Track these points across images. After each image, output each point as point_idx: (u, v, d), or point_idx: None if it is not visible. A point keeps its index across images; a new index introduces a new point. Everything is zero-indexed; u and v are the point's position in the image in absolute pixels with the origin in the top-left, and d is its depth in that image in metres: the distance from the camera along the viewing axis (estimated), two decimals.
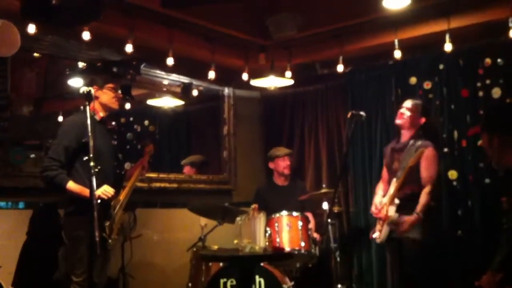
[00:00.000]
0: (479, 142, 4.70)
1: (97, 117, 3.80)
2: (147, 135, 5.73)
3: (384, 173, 4.63)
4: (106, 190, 3.54)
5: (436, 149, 4.37)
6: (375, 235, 4.41)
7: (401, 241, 4.21)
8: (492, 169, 4.56)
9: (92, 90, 3.14)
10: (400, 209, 4.23)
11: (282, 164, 5.60)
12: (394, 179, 4.34)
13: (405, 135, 4.42)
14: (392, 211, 4.24)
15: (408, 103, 4.44)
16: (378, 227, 4.40)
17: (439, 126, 4.56)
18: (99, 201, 3.36)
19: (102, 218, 3.47)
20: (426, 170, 4.23)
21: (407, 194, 4.27)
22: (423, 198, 4.19)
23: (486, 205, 4.63)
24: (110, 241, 3.60)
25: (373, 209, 4.48)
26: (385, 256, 5.06)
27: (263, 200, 5.31)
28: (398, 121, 4.45)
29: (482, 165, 4.70)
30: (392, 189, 4.32)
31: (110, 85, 3.84)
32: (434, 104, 5.02)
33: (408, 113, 4.38)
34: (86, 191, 2.97)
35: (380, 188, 4.64)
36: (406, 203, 4.21)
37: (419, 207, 4.16)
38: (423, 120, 4.40)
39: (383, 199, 4.45)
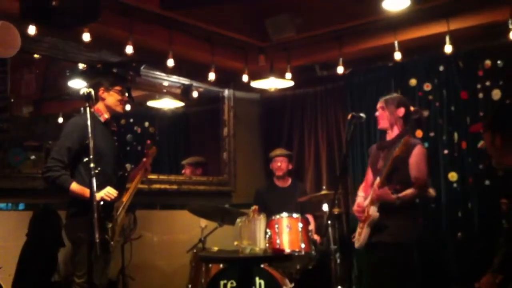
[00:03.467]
0: (479, 144, 4.71)
1: (102, 119, 3.78)
2: (147, 136, 5.73)
3: (368, 174, 4.25)
4: (109, 192, 3.51)
5: (424, 148, 4.03)
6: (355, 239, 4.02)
7: (376, 245, 3.84)
8: (492, 171, 4.57)
9: (92, 92, 3.12)
10: (382, 209, 3.84)
11: (274, 165, 5.63)
12: (378, 178, 3.91)
13: (390, 134, 4.07)
14: (373, 211, 3.87)
15: (378, 104, 4.13)
16: (358, 230, 4.02)
17: (418, 112, 4.27)
18: (101, 202, 3.36)
19: (104, 220, 3.46)
20: (415, 169, 3.86)
21: None
22: (410, 191, 3.82)
23: (486, 207, 4.63)
24: (112, 243, 3.59)
25: (355, 207, 4.10)
26: None
27: (263, 202, 5.31)
28: (379, 126, 4.15)
29: (482, 167, 4.70)
30: (373, 188, 3.92)
31: (118, 87, 3.81)
32: (434, 105, 5.02)
33: (380, 111, 4.07)
34: (88, 193, 2.96)
35: (361, 190, 4.26)
36: (387, 203, 3.82)
37: (402, 194, 3.79)
38: (401, 111, 4.02)
39: (366, 201, 4.03)
